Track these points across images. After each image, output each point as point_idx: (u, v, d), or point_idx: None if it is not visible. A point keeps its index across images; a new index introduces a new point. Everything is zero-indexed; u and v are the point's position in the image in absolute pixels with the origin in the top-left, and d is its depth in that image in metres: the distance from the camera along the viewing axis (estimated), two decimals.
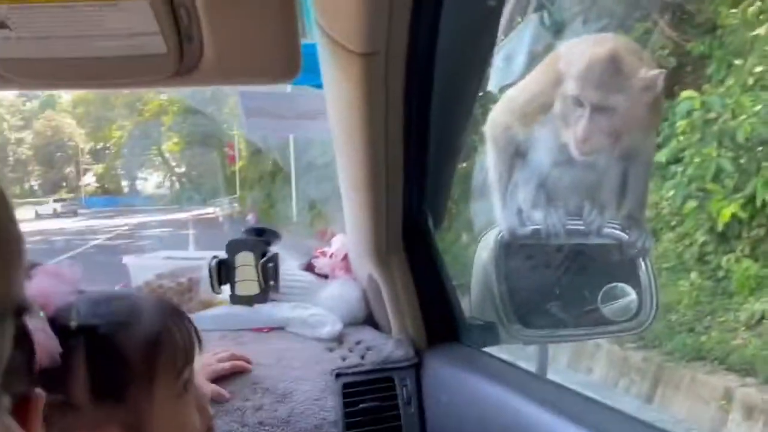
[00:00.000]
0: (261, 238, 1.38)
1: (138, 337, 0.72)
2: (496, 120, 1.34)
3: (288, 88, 1.58)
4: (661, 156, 4.98)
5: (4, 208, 0.27)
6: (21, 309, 0.28)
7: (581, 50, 1.20)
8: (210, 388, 1.09)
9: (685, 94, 5.02)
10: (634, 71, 1.18)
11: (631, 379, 4.67)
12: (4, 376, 0.28)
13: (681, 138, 5.11)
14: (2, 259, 0.27)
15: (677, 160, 5.25)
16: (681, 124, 5.04)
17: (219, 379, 1.16)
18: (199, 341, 0.81)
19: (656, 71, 1.18)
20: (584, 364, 4.99)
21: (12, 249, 0.27)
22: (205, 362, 1.15)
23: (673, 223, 5.43)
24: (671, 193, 5.29)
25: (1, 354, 0.28)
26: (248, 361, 1.22)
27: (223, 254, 1.36)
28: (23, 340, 0.30)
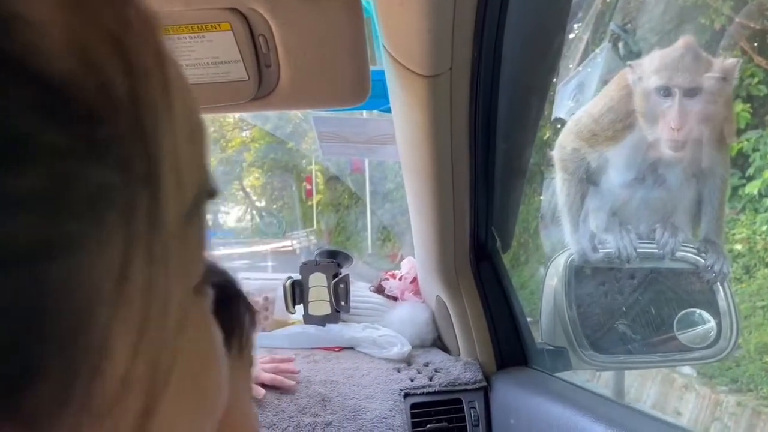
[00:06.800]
0: (333, 260, 1.43)
1: None
2: (563, 143, 1.34)
3: (362, 113, 1.63)
4: (753, 188, 4.71)
5: (192, 99, 0.26)
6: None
7: (652, 56, 1.19)
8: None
9: None
10: (710, 61, 1.16)
11: (724, 425, 4.35)
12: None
13: None
14: (203, 144, 0.26)
15: None
16: None
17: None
18: None
19: (733, 59, 1.16)
20: (671, 406, 4.70)
21: (206, 134, 0.27)
22: None
23: None
24: (765, 227, 4.98)
25: (205, 238, 0.26)
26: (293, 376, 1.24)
27: (297, 275, 1.41)
28: None
